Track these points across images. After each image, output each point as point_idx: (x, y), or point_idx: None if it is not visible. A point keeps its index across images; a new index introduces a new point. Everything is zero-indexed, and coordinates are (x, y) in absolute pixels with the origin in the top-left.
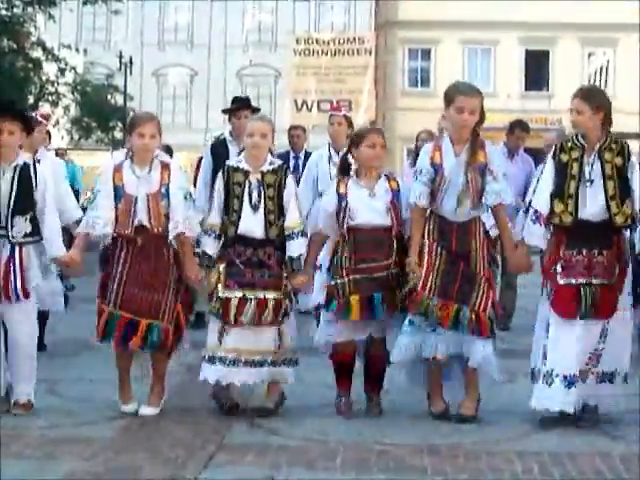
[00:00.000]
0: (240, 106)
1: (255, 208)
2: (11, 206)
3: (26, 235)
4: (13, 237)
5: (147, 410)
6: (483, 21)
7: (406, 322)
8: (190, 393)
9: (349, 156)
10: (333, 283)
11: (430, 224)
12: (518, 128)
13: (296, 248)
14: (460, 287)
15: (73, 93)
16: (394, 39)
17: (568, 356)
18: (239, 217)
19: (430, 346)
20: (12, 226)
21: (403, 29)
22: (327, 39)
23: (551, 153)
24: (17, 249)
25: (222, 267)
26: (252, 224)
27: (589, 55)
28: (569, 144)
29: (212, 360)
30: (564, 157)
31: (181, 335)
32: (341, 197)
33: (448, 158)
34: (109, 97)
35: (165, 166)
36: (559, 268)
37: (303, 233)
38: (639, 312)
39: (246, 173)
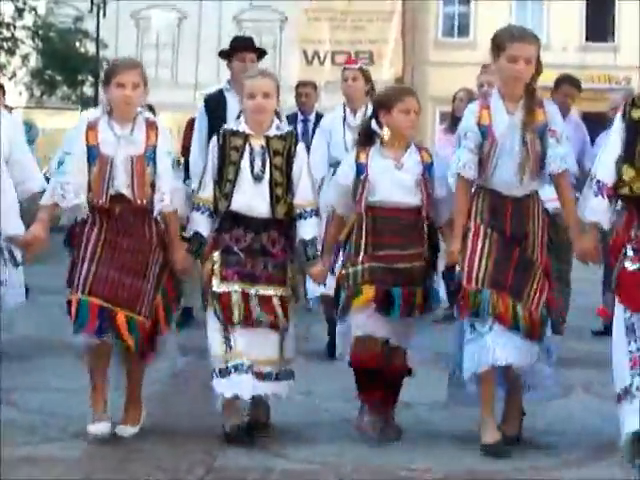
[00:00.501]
0: (244, 48)
1: (258, 178)
2: None
3: None
4: None
5: (125, 430)
6: None
7: (467, 328)
8: (174, 405)
9: (373, 122)
10: (345, 272)
11: (477, 202)
12: (566, 84)
13: (310, 229)
14: (514, 278)
15: (33, 39)
16: None
17: None
18: (233, 188)
19: (490, 351)
20: None
21: None
22: None
23: (620, 112)
24: None
25: (217, 255)
26: (253, 198)
27: None
28: None
29: (225, 372)
30: (636, 114)
31: (157, 335)
32: (360, 167)
33: (499, 118)
34: (77, 44)
35: (151, 125)
36: (629, 252)
37: (317, 212)
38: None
39: (246, 137)
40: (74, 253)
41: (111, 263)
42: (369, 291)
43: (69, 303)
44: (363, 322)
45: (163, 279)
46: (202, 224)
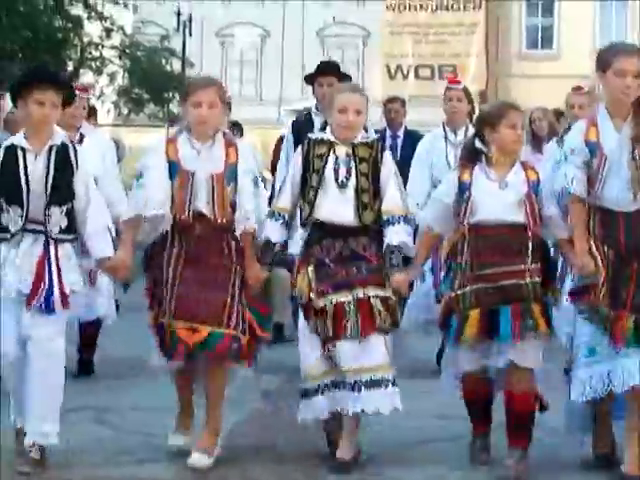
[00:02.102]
0: (325, 72)
1: (342, 186)
2: (47, 195)
3: (62, 231)
4: (50, 231)
5: (196, 458)
6: None
7: (584, 352)
8: (269, 426)
9: (476, 140)
10: (454, 295)
11: (590, 220)
12: None
13: (397, 235)
14: (635, 293)
15: (121, 58)
16: None
17: None
18: (316, 195)
19: (619, 376)
20: (49, 218)
21: None
22: None
23: None
24: (53, 247)
25: (310, 270)
26: (339, 206)
27: None
28: None
29: (318, 390)
30: None
31: (254, 344)
32: (463, 186)
33: (608, 135)
34: (164, 63)
35: (230, 144)
36: None
37: (407, 219)
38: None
39: (331, 144)
40: (155, 274)
41: (194, 282)
42: (474, 321)
43: (156, 327)
44: (476, 356)
45: (245, 293)
46: (275, 231)
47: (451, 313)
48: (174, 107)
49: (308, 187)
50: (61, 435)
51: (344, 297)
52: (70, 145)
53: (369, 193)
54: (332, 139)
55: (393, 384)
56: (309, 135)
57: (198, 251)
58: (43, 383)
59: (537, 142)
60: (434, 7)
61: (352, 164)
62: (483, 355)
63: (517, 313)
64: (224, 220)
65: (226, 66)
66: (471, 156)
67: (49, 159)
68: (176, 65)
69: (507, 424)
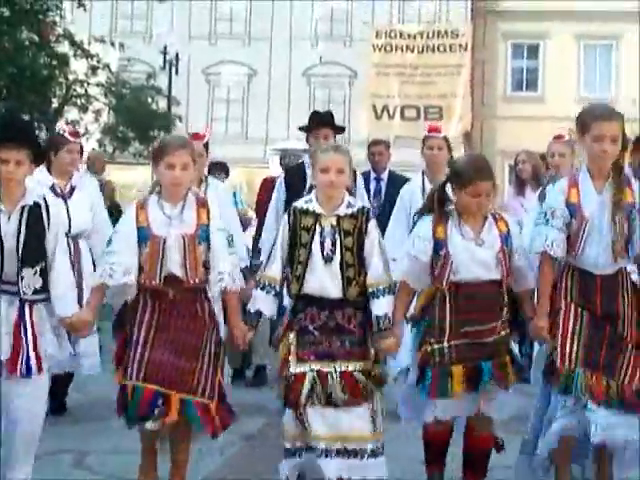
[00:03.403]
0: (320, 124)
1: (328, 260)
2: (19, 256)
3: (36, 291)
4: (24, 293)
5: None
6: (603, 11)
7: (554, 403)
8: (249, 468)
9: (447, 187)
10: (429, 349)
11: (567, 280)
12: None
13: (382, 307)
14: (606, 356)
15: (106, 96)
16: (495, 32)
17: None
18: (305, 271)
19: (583, 428)
20: (21, 280)
21: (505, 20)
22: (413, 32)
23: None
24: (27, 309)
25: (292, 336)
26: (324, 280)
27: None
28: None
29: (296, 453)
30: None
31: (226, 410)
32: (438, 244)
33: (588, 197)
34: (150, 101)
35: (201, 203)
36: None
37: (390, 290)
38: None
39: (317, 216)
40: (126, 335)
41: (165, 346)
42: (459, 377)
43: (122, 388)
44: (450, 407)
45: (222, 357)
46: (266, 304)
47: (426, 368)
48: None
49: (296, 261)
50: None
51: (326, 367)
52: (43, 204)
53: (354, 268)
54: (318, 211)
55: (374, 455)
56: (294, 204)
57: (170, 314)
58: (20, 440)
59: (520, 185)
60: (420, 48)
61: (337, 237)
62: (456, 409)
63: (497, 368)
64: (197, 281)
65: (212, 104)
66: (436, 204)
67: (21, 220)
68: (162, 103)
69: (465, 462)
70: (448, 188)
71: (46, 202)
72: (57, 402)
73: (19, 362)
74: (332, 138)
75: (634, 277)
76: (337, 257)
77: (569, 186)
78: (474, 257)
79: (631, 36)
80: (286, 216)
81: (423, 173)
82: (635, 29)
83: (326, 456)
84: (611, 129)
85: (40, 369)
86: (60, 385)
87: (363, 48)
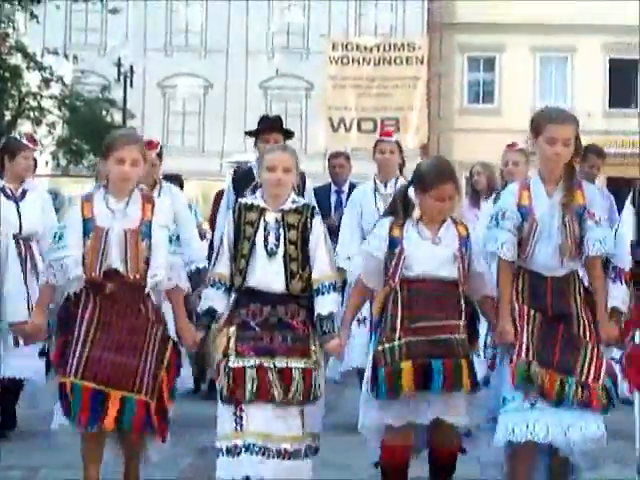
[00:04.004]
0: (269, 128)
1: (271, 254)
2: None
3: None
4: None
5: None
6: (558, 24)
7: (499, 401)
8: None
9: (410, 192)
10: (381, 348)
11: (517, 282)
12: (592, 154)
13: (327, 305)
14: (560, 354)
15: (60, 108)
16: (451, 45)
17: None
18: (247, 264)
19: (525, 427)
20: None
21: (462, 33)
22: (370, 45)
23: (629, 198)
24: None
25: (232, 330)
26: (267, 274)
27: None
28: None
29: (233, 451)
30: None
31: (166, 412)
32: (394, 241)
33: (539, 199)
34: (104, 113)
35: (147, 199)
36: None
37: (336, 287)
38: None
39: (262, 211)
40: (67, 333)
41: (105, 344)
42: (408, 374)
43: (62, 386)
44: (403, 411)
45: (166, 355)
46: (217, 300)
47: (378, 369)
48: None
49: (239, 255)
50: None
51: (266, 363)
52: None
53: (297, 262)
54: (262, 205)
55: (306, 455)
56: (239, 200)
57: (112, 312)
58: None
59: (475, 197)
60: (377, 61)
61: (281, 232)
62: (410, 411)
63: (449, 368)
64: (137, 276)
65: (168, 117)
66: (401, 207)
67: None
68: (117, 116)
69: (431, 472)
70: (411, 192)
71: None
72: (6, 417)
73: None
74: (281, 143)
75: (585, 283)
76: (281, 251)
77: (520, 189)
78: (429, 254)
79: (586, 48)
80: (231, 212)
81: (375, 175)
82: (590, 41)
83: (263, 455)
84: (564, 132)
85: None
86: (8, 400)
87: (320, 61)
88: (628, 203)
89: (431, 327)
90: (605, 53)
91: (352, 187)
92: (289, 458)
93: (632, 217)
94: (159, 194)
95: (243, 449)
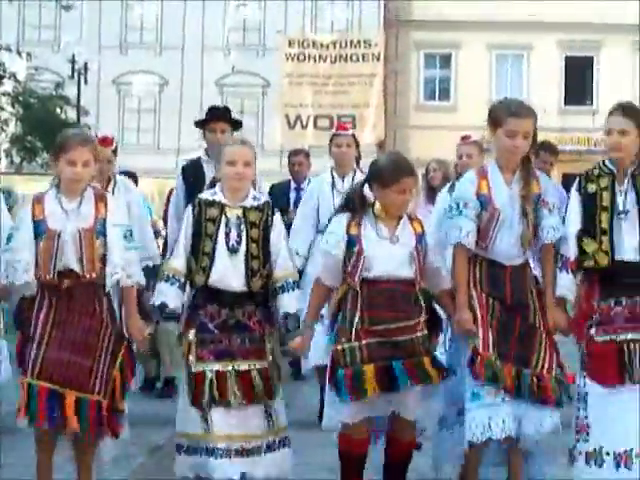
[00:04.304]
0: (216, 118)
1: (233, 251)
2: None
3: None
4: None
5: None
6: (514, 21)
7: (469, 396)
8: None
9: (366, 187)
10: (340, 348)
11: (476, 271)
12: (544, 151)
13: (292, 302)
14: (517, 346)
15: (13, 105)
16: (407, 42)
17: (618, 431)
18: (212, 262)
19: (502, 422)
20: None
21: (418, 30)
22: (326, 42)
23: (575, 185)
24: None
25: (192, 334)
26: (228, 272)
27: None
28: (595, 171)
29: (197, 451)
30: (591, 187)
31: (120, 411)
32: (352, 239)
33: (499, 189)
34: (58, 111)
35: (100, 197)
36: (594, 324)
37: (298, 284)
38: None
39: (222, 207)
40: (23, 333)
41: (61, 344)
42: (371, 378)
43: (22, 386)
44: (362, 408)
45: (120, 354)
46: (170, 295)
47: (337, 368)
48: None
49: (201, 253)
50: None
51: (224, 366)
52: None
53: (259, 259)
54: (223, 201)
55: (271, 449)
56: (199, 196)
57: (67, 311)
58: None
59: (431, 193)
60: (333, 58)
61: (243, 228)
62: (369, 408)
63: (410, 367)
64: (93, 275)
65: (123, 114)
66: (357, 203)
67: None
68: (71, 113)
69: (386, 467)
70: (366, 188)
71: None
72: None
73: None
74: (229, 132)
75: (535, 272)
76: (242, 248)
77: (479, 178)
78: (388, 254)
79: (542, 46)
80: (190, 207)
81: (332, 169)
82: (546, 39)
83: (226, 456)
84: (525, 125)
85: None
86: None
87: (276, 57)
88: (574, 191)
89: (391, 329)
90: (561, 50)
91: (310, 184)
92: (252, 455)
93: (578, 205)
94: (113, 191)
95: (205, 451)
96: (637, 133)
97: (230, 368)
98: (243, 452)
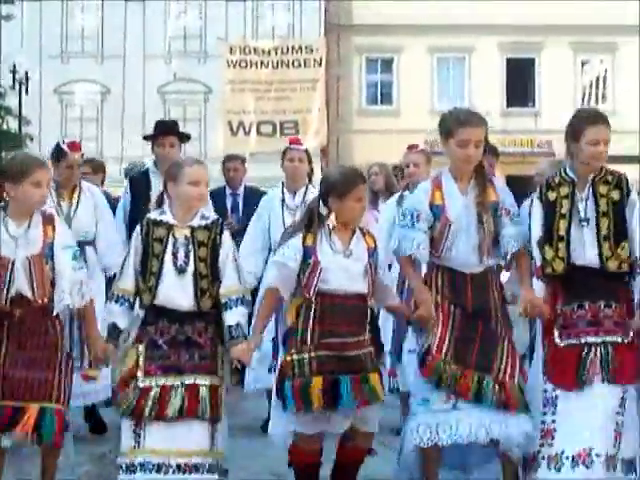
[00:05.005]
0: (165, 132)
1: (181, 271)
2: None
3: None
4: None
5: None
6: (455, 24)
7: (418, 401)
8: None
9: (321, 205)
10: (289, 359)
11: (437, 279)
12: (487, 153)
13: (234, 317)
14: (479, 352)
15: None
16: (349, 47)
17: (579, 432)
18: (158, 281)
19: (449, 428)
20: None
21: (359, 35)
22: (267, 48)
23: (537, 194)
24: None
25: (141, 348)
26: (176, 292)
27: (582, 64)
28: (557, 179)
29: (130, 468)
30: (552, 195)
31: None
32: (307, 251)
33: (453, 199)
34: (0, 121)
35: (48, 219)
36: (557, 328)
37: (243, 301)
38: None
39: (170, 227)
40: None
41: (17, 363)
42: (317, 391)
43: None
44: (312, 421)
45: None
46: (120, 316)
47: (285, 379)
48: None
49: (149, 272)
50: None
51: (171, 381)
52: None
53: (207, 279)
54: (171, 221)
55: (211, 471)
56: (148, 216)
57: (21, 333)
58: None
59: (373, 197)
60: (275, 64)
61: (191, 248)
62: (324, 422)
63: (357, 382)
64: (45, 300)
65: (66, 124)
66: (312, 220)
67: None
68: (13, 124)
69: (338, 467)
70: (322, 206)
71: None
72: None
73: None
74: (178, 146)
75: (502, 278)
76: (191, 268)
77: (433, 188)
78: (342, 268)
79: (483, 48)
80: (139, 227)
81: (282, 184)
82: (487, 41)
83: (160, 471)
84: (476, 134)
85: None
86: None
87: (217, 64)
88: (536, 198)
89: (340, 343)
90: (502, 52)
91: (247, 190)
92: (191, 472)
93: (540, 213)
94: (79, 196)
95: (139, 467)
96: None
97: (178, 383)
98: (182, 468)
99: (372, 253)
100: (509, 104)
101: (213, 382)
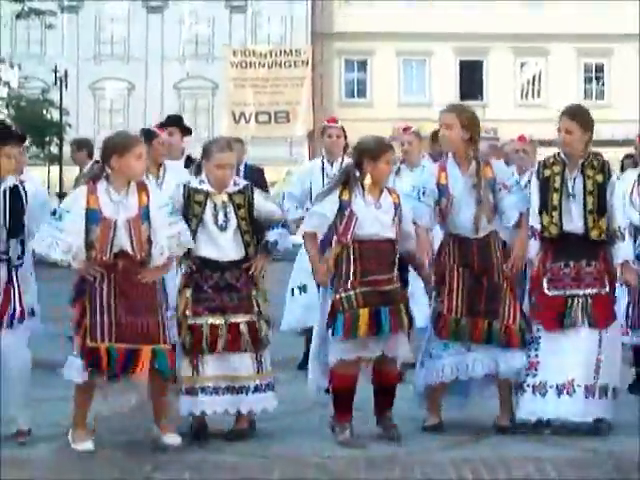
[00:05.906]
0: (168, 122)
1: (223, 229)
2: (7, 229)
3: (19, 258)
4: (12, 259)
5: (171, 439)
6: (417, 32)
7: (440, 346)
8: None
9: (355, 170)
10: (338, 297)
11: (449, 245)
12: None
13: (274, 235)
14: (486, 301)
15: (8, 108)
16: (330, 51)
17: (563, 366)
18: (194, 237)
19: (466, 367)
20: (9, 249)
21: (339, 40)
22: (264, 51)
23: (535, 171)
24: (14, 272)
25: (189, 293)
26: (219, 246)
27: (522, 65)
28: (551, 160)
29: (191, 392)
30: (547, 172)
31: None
32: (344, 204)
33: (454, 179)
34: (45, 112)
35: (142, 187)
36: (546, 280)
37: (285, 225)
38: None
39: (207, 194)
40: (84, 305)
41: (126, 310)
42: (365, 320)
43: (87, 351)
44: (356, 348)
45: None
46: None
47: (337, 313)
48: (53, 148)
49: (190, 230)
50: None
51: (217, 320)
52: (20, 186)
53: (250, 233)
54: (209, 190)
55: (258, 390)
56: (187, 184)
57: (124, 283)
58: (16, 380)
59: None
60: (270, 64)
61: (230, 210)
62: (361, 347)
63: (394, 313)
64: (143, 255)
65: (98, 114)
66: (349, 179)
67: (5, 198)
68: (55, 114)
69: (377, 392)
70: (356, 171)
71: (22, 185)
72: None
73: (8, 314)
74: (178, 135)
75: (502, 236)
76: (232, 225)
77: (439, 170)
78: (374, 218)
79: (441, 52)
80: (180, 189)
81: (323, 157)
82: (444, 46)
83: (214, 393)
84: (444, 118)
85: (23, 318)
86: None
87: (223, 64)
88: (534, 176)
89: (377, 280)
90: (456, 56)
91: (247, 167)
92: (239, 393)
93: (537, 187)
94: (164, 174)
95: (199, 390)
96: (581, 133)
97: (222, 322)
98: (231, 390)
99: (397, 207)
100: (462, 98)
101: (252, 319)
